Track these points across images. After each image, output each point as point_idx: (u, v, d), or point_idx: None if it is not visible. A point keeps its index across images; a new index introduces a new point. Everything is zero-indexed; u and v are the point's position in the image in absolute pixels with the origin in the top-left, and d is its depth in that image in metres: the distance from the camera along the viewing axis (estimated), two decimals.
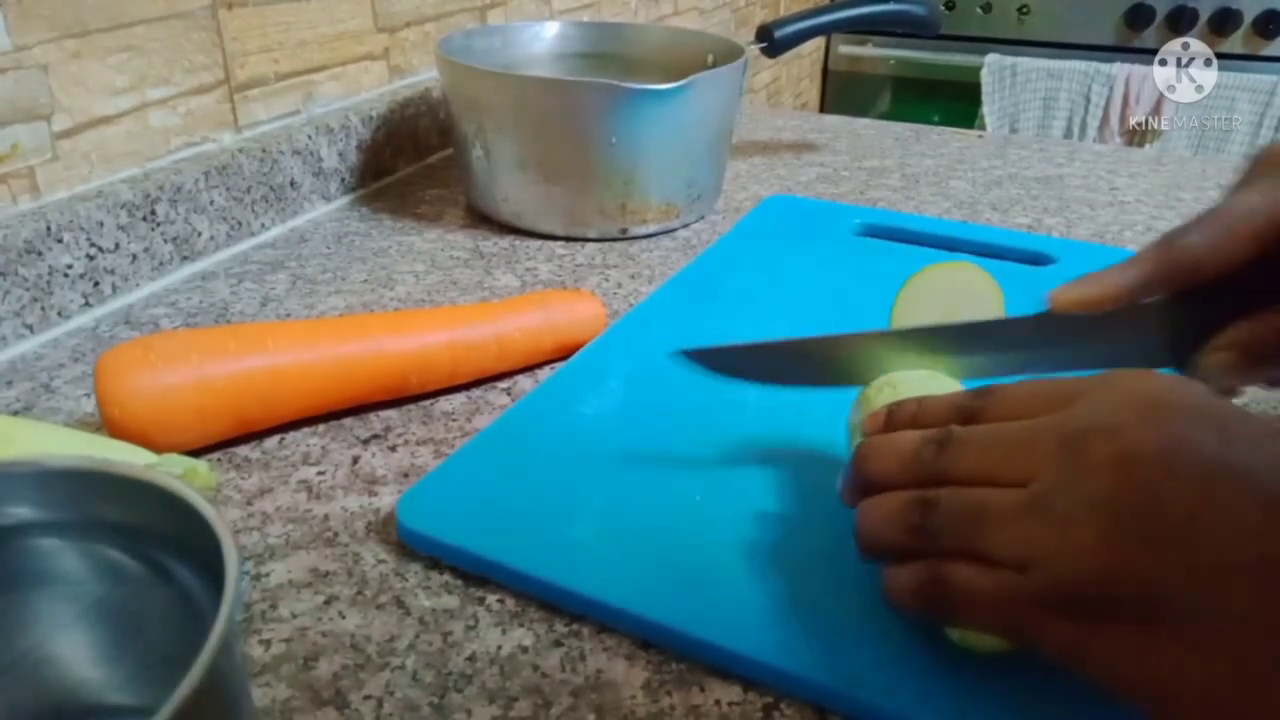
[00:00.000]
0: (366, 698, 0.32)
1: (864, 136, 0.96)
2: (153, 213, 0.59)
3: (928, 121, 1.06)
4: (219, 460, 0.44)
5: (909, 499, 0.30)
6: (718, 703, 0.31)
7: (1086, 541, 0.26)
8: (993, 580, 0.28)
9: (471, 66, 0.67)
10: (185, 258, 0.62)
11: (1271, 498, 0.24)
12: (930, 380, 0.38)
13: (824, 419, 0.45)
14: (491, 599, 0.36)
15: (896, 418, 0.34)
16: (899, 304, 0.42)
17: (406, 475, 0.43)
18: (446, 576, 0.37)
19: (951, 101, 1.92)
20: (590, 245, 0.69)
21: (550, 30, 0.82)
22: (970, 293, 0.41)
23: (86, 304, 0.56)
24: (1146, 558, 0.25)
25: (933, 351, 0.38)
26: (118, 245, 0.57)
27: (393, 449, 0.45)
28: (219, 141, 0.67)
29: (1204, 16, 1.72)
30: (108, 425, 0.40)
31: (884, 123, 1.02)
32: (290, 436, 0.45)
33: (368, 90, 0.79)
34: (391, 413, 0.47)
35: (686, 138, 0.68)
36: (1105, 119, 1.76)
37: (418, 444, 0.45)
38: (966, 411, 0.32)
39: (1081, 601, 0.26)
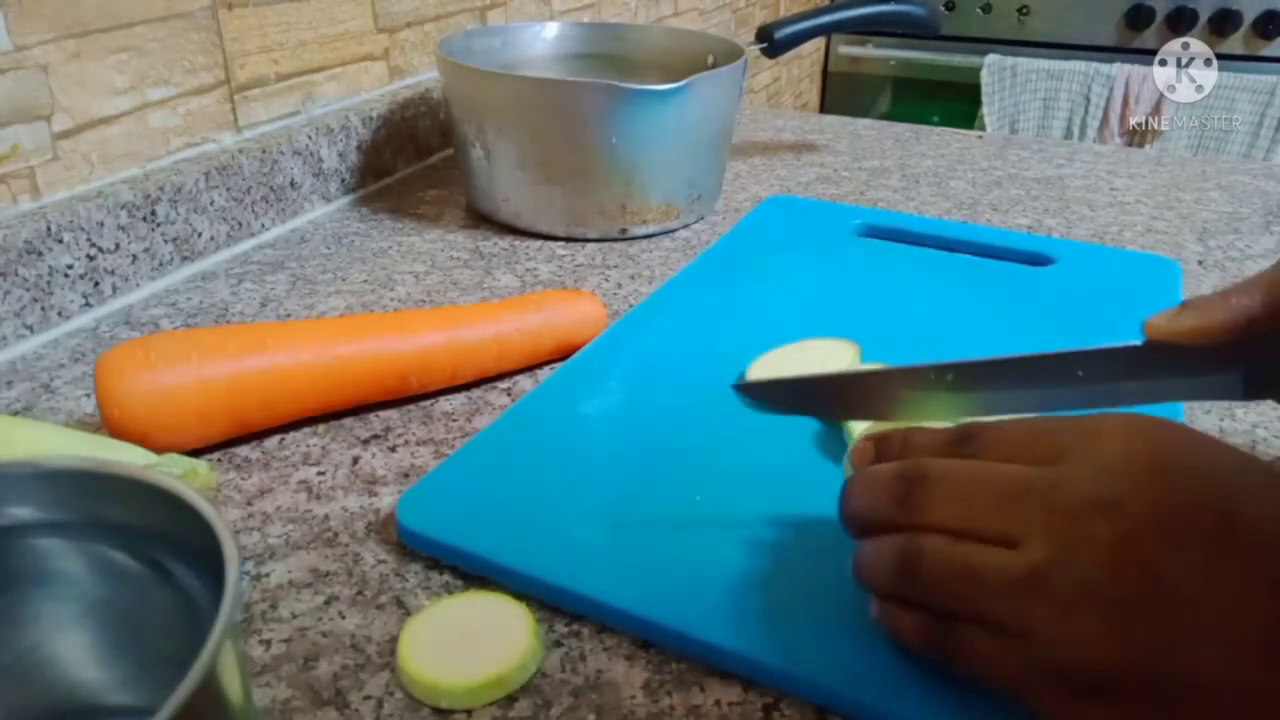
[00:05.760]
0: (366, 698, 0.32)
1: (864, 137, 0.97)
2: (153, 213, 0.59)
3: (928, 122, 1.06)
4: (219, 460, 0.44)
5: (894, 547, 0.30)
6: (718, 703, 0.31)
7: (1090, 627, 0.25)
8: (995, 645, 0.27)
9: (471, 67, 0.67)
10: (185, 258, 0.62)
11: (1274, 578, 0.24)
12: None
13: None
14: None
15: (883, 453, 0.33)
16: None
17: (406, 475, 0.43)
18: (446, 576, 0.37)
19: (951, 102, 1.92)
20: (590, 245, 0.69)
21: (550, 30, 0.82)
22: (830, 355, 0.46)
23: (86, 304, 0.56)
24: (1150, 640, 0.24)
25: (993, 386, 0.34)
26: (118, 245, 0.57)
27: (393, 449, 0.45)
28: (219, 142, 0.67)
29: (1204, 17, 1.72)
30: (108, 425, 0.40)
31: (884, 123, 1.02)
32: (290, 436, 0.45)
33: (368, 90, 0.79)
34: (391, 413, 0.47)
35: (687, 138, 0.68)
36: (1105, 119, 1.76)
37: (418, 444, 0.45)
38: (951, 453, 0.31)
39: (1084, 681, 0.25)
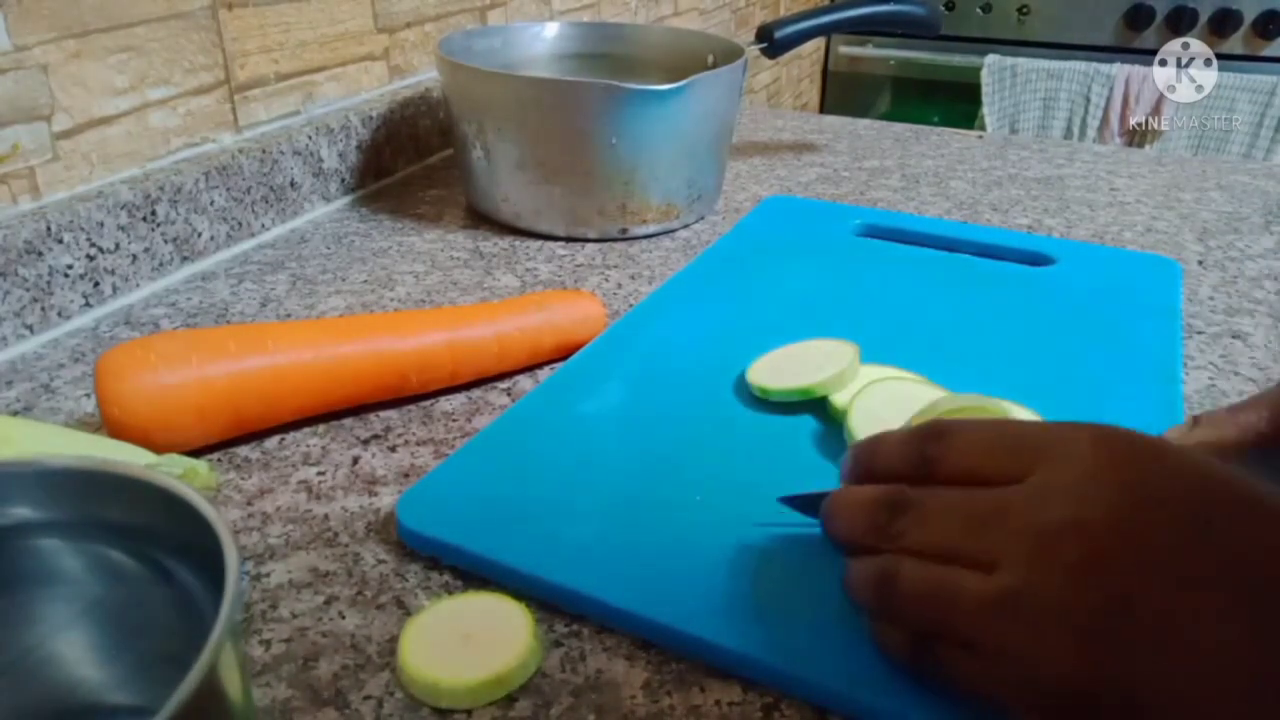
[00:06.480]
0: (366, 698, 0.32)
1: (864, 137, 0.97)
2: (153, 213, 0.59)
3: (928, 122, 1.06)
4: (219, 460, 0.44)
5: (874, 568, 0.31)
6: (718, 703, 0.31)
7: (1061, 646, 0.25)
8: (974, 664, 0.28)
9: (471, 67, 0.67)
10: (185, 258, 0.62)
11: (1243, 595, 0.24)
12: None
13: (826, 418, 0.45)
14: None
15: (858, 464, 0.34)
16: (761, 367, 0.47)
17: (406, 475, 0.43)
18: (446, 576, 0.37)
19: (951, 102, 1.92)
20: (590, 245, 0.69)
21: (550, 30, 0.82)
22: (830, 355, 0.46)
23: (86, 304, 0.56)
24: (1122, 658, 0.25)
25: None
26: (118, 245, 0.57)
27: (393, 449, 0.45)
28: (219, 142, 0.67)
29: (1204, 17, 1.72)
30: (108, 425, 0.40)
31: (884, 123, 1.02)
32: (290, 436, 0.45)
33: (368, 90, 0.79)
34: (391, 413, 0.47)
35: (686, 138, 0.68)
36: (1105, 119, 1.76)
37: (418, 444, 0.45)
38: (921, 459, 0.31)
39: (1059, 699, 0.26)
